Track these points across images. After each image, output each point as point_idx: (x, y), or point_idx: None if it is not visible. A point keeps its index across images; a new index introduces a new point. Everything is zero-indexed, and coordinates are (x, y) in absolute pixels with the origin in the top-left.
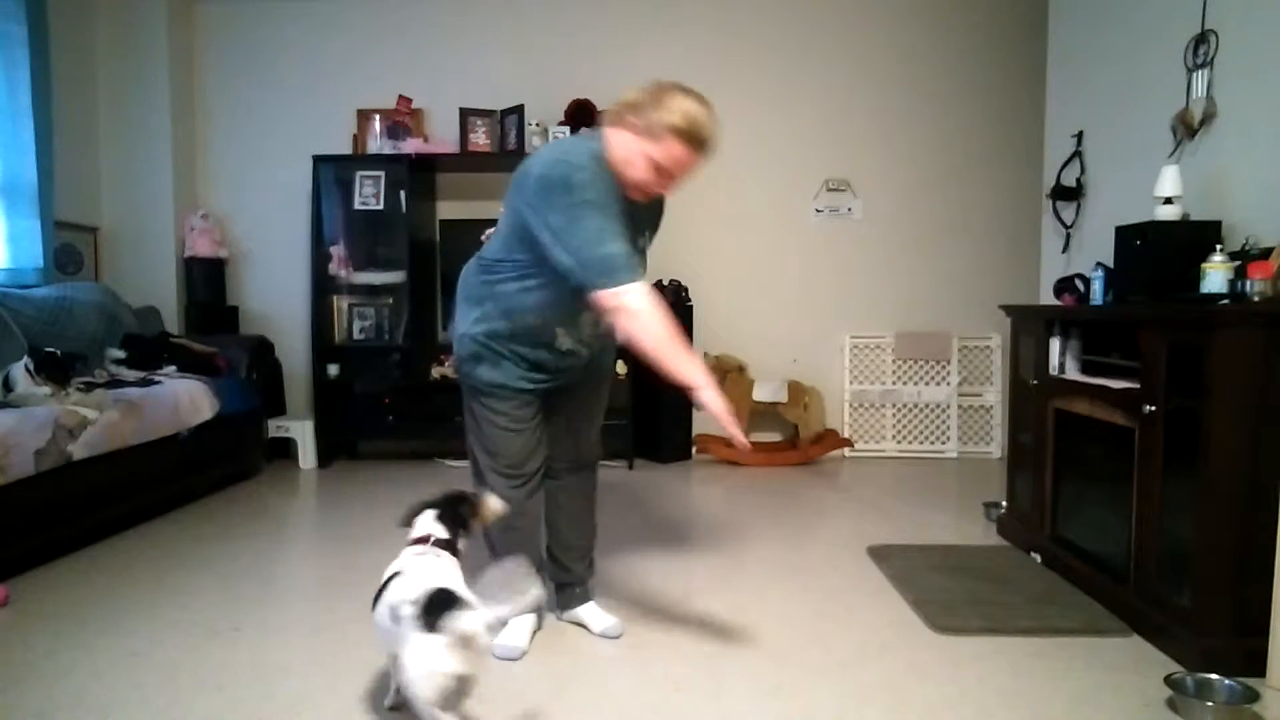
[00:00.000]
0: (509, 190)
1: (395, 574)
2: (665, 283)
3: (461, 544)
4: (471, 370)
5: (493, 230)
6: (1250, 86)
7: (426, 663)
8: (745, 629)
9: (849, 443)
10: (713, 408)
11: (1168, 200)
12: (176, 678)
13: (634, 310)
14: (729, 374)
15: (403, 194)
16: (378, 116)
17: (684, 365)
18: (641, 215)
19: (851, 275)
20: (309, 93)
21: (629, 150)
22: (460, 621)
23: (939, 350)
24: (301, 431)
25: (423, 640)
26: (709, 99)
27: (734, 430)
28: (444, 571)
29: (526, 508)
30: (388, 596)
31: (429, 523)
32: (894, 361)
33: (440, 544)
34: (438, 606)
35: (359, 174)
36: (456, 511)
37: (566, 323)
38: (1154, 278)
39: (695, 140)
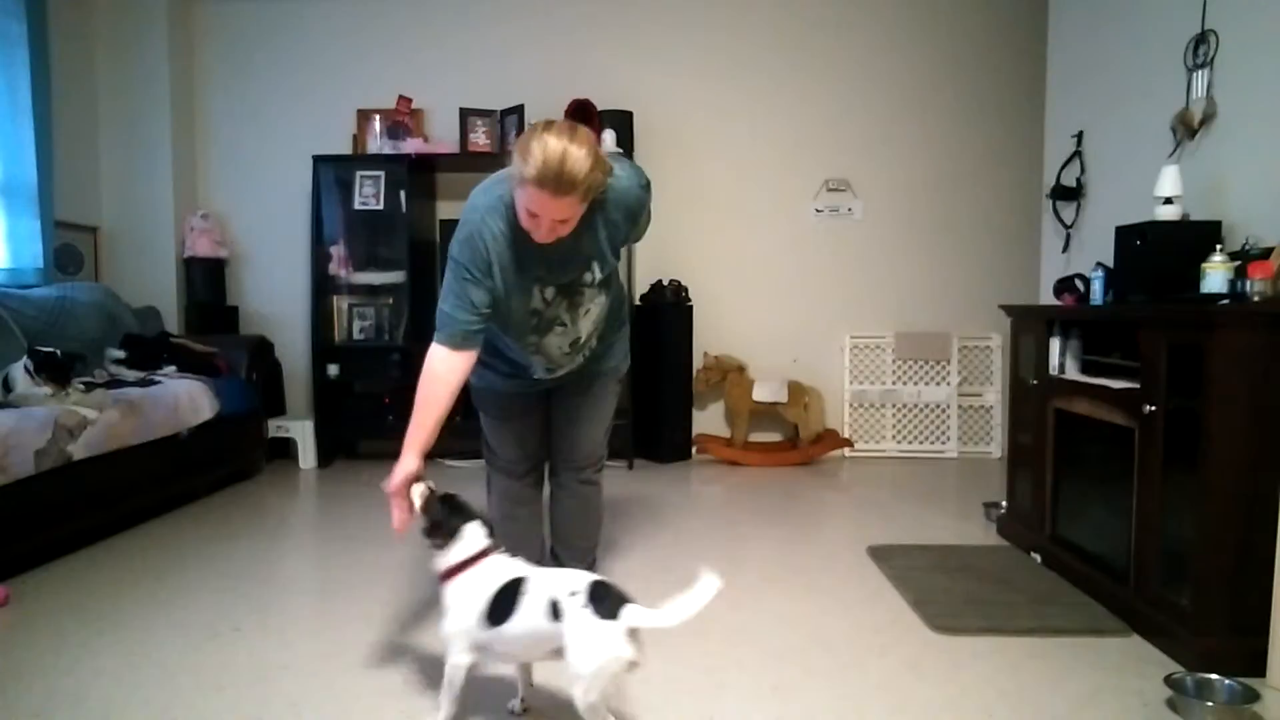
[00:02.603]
0: None
1: (519, 579)
2: (665, 283)
3: None
4: None
5: None
6: (1250, 86)
7: (604, 650)
8: (745, 629)
9: (849, 443)
10: (391, 478)
11: (1168, 200)
12: (176, 678)
13: (427, 367)
14: (729, 374)
15: (403, 194)
16: (378, 116)
17: (413, 430)
18: (581, 251)
19: (851, 275)
20: (309, 93)
21: (516, 199)
22: (637, 613)
23: (939, 350)
24: (301, 431)
25: (601, 627)
26: (581, 132)
27: (394, 515)
28: (561, 570)
29: (524, 498)
30: (537, 596)
31: (483, 534)
32: (894, 361)
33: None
34: (607, 595)
35: (359, 174)
36: (474, 515)
37: (519, 349)
38: (1154, 278)
39: (555, 184)
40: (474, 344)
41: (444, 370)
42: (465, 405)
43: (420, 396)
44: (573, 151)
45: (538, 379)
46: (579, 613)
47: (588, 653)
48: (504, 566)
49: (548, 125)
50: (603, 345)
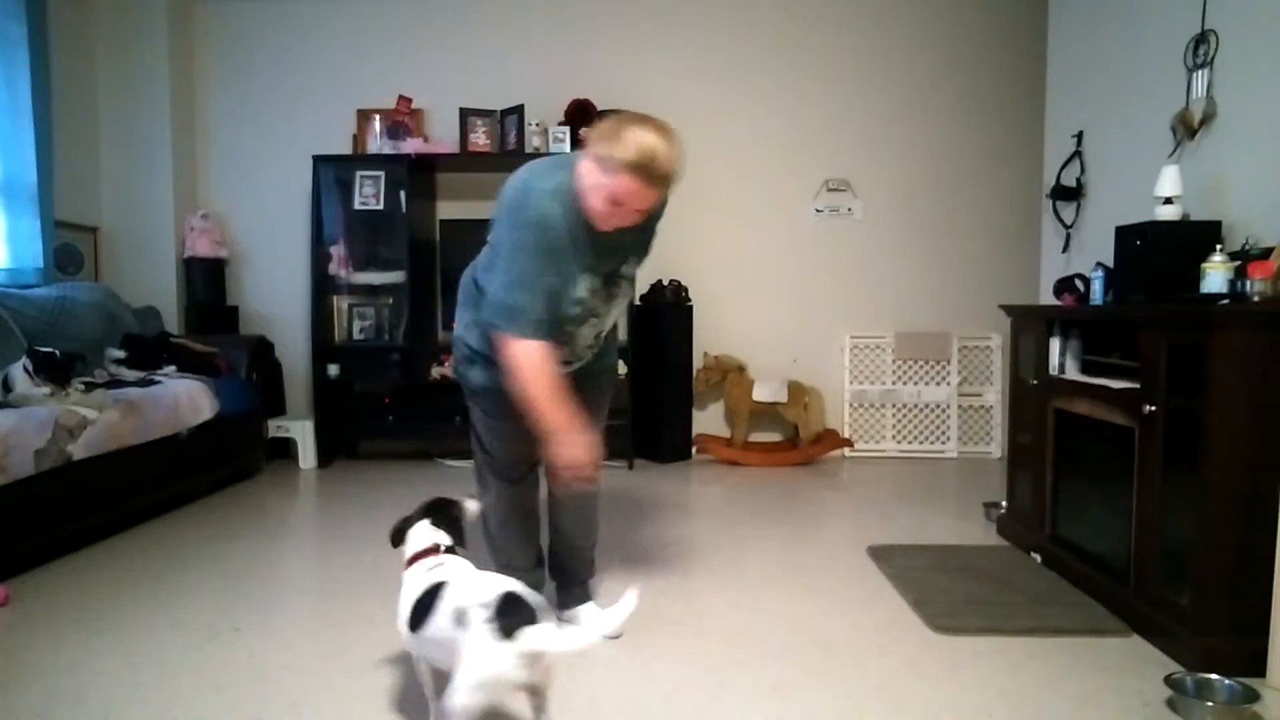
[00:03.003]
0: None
1: (440, 584)
2: (665, 283)
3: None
4: (465, 372)
5: None
6: (1250, 86)
7: (490, 669)
8: (745, 629)
9: (849, 443)
10: (557, 455)
11: (1168, 200)
12: (176, 678)
13: (509, 365)
14: (729, 374)
15: (403, 194)
16: (378, 116)
17: (547, 415)
18: (625, 243)
19: (851, 275)
20: (309, 93)
21: (589, 183)
22: (537, 636)
23: (939, 350)
24: (301, 431)
25: (493, 646)
26: (671, 130)
27: (574, 471)
28: (487, 577)
29: (525, 500)
30: (450, 602)
31: (430, 533)
32: (894, 361)
33: (449, 551)
34: (512, 612)
35: (359, 174)
36: (451, 517)
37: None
38: (1154, 278)
39: (648, 174)
40: (547, 334)
41: (543, 358)
42: (464, 406)
43: (540, 386)
44: (669, 147)
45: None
46: (479, 627)
47: (473, 668)
48: (438, 569)
49: (640, 119)
50: (605, 343)
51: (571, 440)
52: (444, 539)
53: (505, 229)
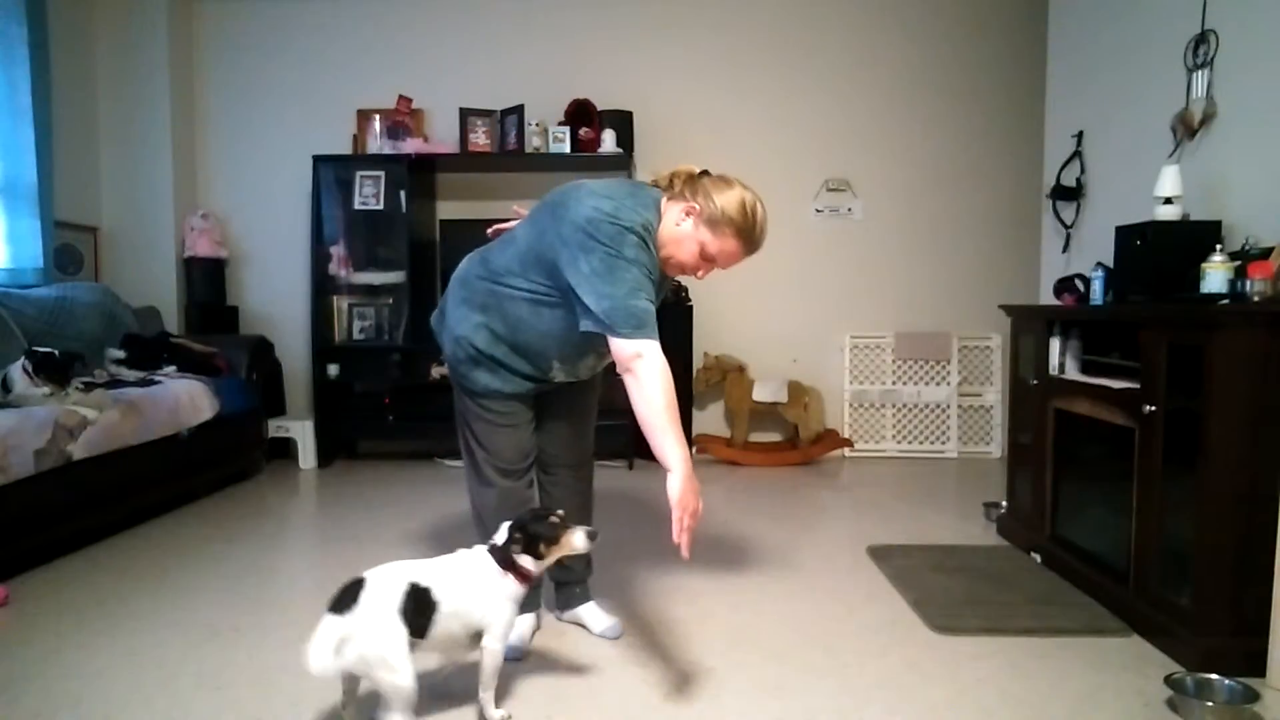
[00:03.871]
0: (541, 212)
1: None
2: None
3: (530, 565)
4: (468, 373)
5: (502, 226)
6: (1250, 86)
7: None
8: (745, 629)
9: (849, 443)
10: (670, 495)
11: (1168, 200)
12: (176, 678)
13: (644, 376)
14: (729, 374)
15: (403, 194)
16: (378, 116)
17: (667, 445)
18: (662, 287)
19: (851, 275)
20: (309, 93)
21: (683, 232)
22: (324, 621)
23: (939, 350)
24: (301, 431)
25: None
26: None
27: (680, 527)
28: (439, 571)
29: (525, 499)
30: None
31: (501, 529)
32: (894, 361)
33: (492, 550)
34: (338, 600)
35: (359, 174)
36: (526, 529)
37: (567, 359)
38: (1154, 278)
39: (750, 240)
40: None
41: (665, 370)
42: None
43: (666, 402)
44: (765, 217)
45: (557, 382)
46: None
47: None
48: (452, 557)
49: (745, 186)
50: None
51: (692, 477)
52: (499, 538)
53: (600, 249)
